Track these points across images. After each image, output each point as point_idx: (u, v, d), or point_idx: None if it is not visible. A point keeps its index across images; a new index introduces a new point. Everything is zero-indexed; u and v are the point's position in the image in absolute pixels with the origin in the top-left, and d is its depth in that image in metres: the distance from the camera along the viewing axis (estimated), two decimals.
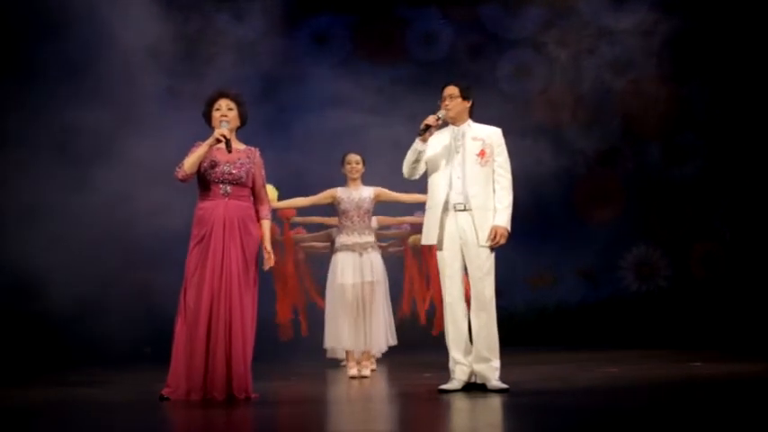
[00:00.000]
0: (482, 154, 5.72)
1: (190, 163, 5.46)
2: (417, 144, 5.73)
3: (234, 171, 5.55)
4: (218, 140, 5.51)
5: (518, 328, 10.14)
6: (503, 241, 5.67)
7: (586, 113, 11.14)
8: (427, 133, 5.72)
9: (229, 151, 5.54)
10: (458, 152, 5.74)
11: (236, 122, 5.68)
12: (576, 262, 10.93)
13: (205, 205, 5.55)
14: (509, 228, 5.69)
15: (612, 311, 10.77)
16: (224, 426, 4.70)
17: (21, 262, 8.78)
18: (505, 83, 11.16)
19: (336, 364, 7.99)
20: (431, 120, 5.71)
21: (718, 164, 10.93)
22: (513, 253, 9.14)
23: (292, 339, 8.12)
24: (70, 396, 6.07)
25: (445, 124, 5.86)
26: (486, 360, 5.66)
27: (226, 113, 5.60)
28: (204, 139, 5.61)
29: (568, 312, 10.86)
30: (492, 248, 5.68)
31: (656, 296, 10.97)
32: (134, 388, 6.38)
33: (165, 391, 5.49)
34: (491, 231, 5.65)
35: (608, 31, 11.02)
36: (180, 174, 5.47)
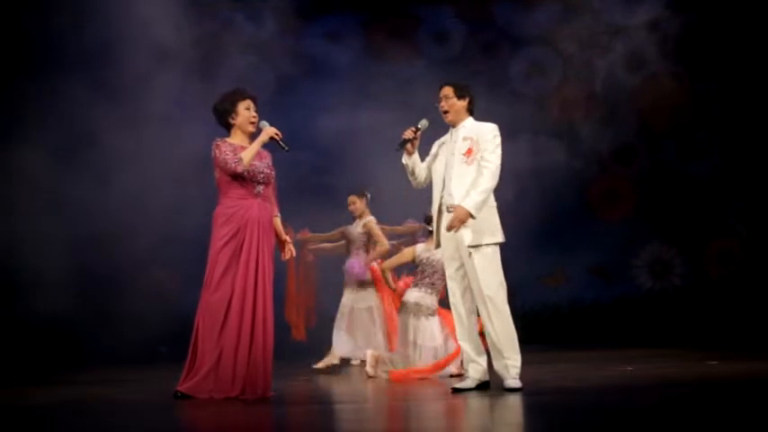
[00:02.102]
0: (468, 152, 5.67)
1: (249, 157, 5.51)
2: (402, 159, 5.77)
3: (266, 171, 5.63)
4: (273, 139, 5.57)
5: (532, 327, 10.04)
6: (456, 224, 5.50)
7: (600, 111, 11.10)
8: (409, 145, 5.71)
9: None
10: (452, 154, 5.74)
11: None
12: (590, 260, 10.89)
13: (236, 204, 5.56)
14: (475, 212, 5.48)
15: (626, 310, 10.73)
16: (249, 424, 4.71)
17: (35, 261, 8.83)
18: (519, 81, 11.13)
19: (347, 362, 7.98)
20: (408, 134, 5.71)
21: (733, 161, 10.86)
22: (526, 251, 9.17)
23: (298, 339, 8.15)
24: (89, 395, 6.09)
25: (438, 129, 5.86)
26: (500, 357, 5.63)
27: (255, 114, 5.66)
28: (222, 137, 5.65)
29: (582, 311, 10.82)
30: (448, 229, 5.54)
31: (671, 294, 10.92)
32: (153, 387, 6.41)
33: (182, 388, 5.48)
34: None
35: (622, 28, 10.98)
36: (240, 167, 5.49)
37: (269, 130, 5.60)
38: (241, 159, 5.49)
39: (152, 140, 9.11)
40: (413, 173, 5.79)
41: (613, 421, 4.39)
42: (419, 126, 5.75)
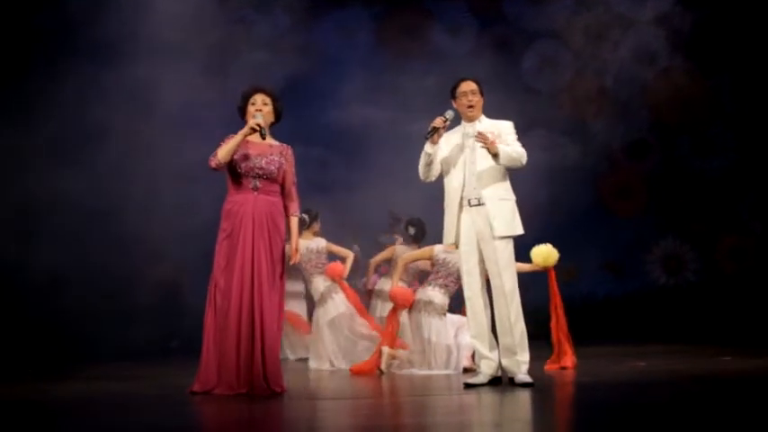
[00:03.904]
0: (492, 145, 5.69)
1: (224, 152, 5.46)
2: (427, 147, 5.74)
3: (265, 165, 5.57)
4: (254, 130, 5.52)
5: (544, 323, 10.07)
6: (487, 139, 5.54)
7: (613, 106, 11.06)
8: (436, 135, 5.70)
9: (263, 138, 5.56)
10: (470, 148, 5.73)
11: (271, 118, 5.70)
12: (603, 255, 10.86)
13: (235, 199, 5.57)
14: (501, 154, 5.55)
15: (640, 305, 10.69)
16: (257, 419, 4.71)
17: (46, 258, 8.85)
18: (531, 76, 11.10)
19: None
20: (438, 122, 5.70)
21: (746, 156, 10.81)
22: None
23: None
24: (101, 390, 6.09)
25: (456, 122, 5.84)
26: (512, 354, 5.64)
27: (260, 108, 5.63)
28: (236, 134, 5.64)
29: (595, 306, 10.79)
30: (479, 136, 5.56)
31: (684, 290, 10.88)
32: (164, 382, 6.42)
33: (195, 387, 5.49)
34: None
35: (633, 22, 10.93)
36: (213, 162, 5.48)
37: (251, 122, 5.54)
38: (215, 154, 5.47)
39: (163, 137, 9.11)
40: (430, 163, 5.76)
41: (625, 417, 4.38)
42: (446, 116, 5.74)
